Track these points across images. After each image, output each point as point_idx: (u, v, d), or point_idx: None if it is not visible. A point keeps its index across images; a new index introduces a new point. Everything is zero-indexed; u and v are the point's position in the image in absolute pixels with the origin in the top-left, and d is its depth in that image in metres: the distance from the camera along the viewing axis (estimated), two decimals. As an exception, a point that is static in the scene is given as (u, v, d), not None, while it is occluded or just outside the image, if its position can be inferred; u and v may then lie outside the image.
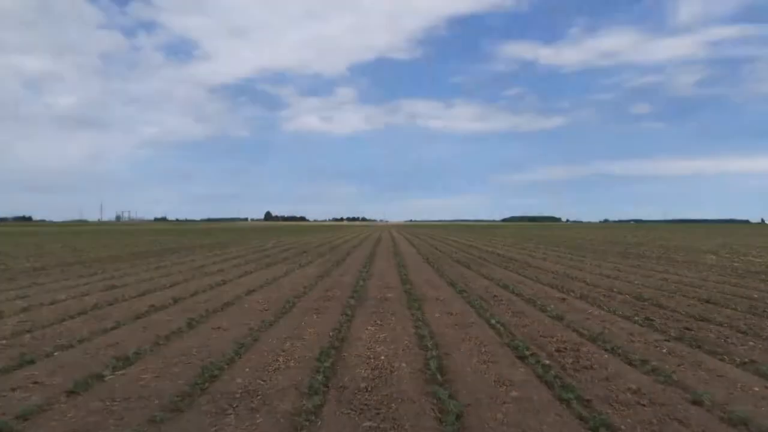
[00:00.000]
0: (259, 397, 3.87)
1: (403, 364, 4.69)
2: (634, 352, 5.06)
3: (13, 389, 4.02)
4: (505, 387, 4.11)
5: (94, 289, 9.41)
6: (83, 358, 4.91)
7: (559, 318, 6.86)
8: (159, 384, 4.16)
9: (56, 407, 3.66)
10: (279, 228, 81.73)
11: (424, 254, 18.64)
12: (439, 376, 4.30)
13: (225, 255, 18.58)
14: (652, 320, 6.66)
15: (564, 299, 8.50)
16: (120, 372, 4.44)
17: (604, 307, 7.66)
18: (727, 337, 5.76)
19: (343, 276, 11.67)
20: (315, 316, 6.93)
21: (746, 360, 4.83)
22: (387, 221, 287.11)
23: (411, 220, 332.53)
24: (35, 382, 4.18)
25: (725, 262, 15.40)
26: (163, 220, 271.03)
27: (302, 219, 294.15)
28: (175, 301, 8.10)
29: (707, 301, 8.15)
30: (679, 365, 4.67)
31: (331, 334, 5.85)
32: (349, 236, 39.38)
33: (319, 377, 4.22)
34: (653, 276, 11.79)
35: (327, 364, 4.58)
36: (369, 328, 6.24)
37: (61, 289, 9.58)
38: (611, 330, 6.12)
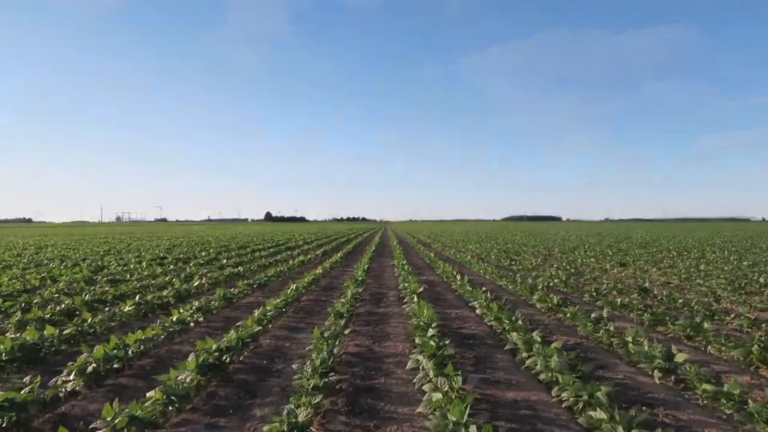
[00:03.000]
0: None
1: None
2: None
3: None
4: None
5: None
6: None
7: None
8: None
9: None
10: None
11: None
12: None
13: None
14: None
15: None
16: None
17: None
18: None
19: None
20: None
21: None
22: (387, 221, 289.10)
23: (411, 220, 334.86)
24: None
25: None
26: (163, 221, 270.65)
27: (302, 219, 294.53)
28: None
29: None
30: None
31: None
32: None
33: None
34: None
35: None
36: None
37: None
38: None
